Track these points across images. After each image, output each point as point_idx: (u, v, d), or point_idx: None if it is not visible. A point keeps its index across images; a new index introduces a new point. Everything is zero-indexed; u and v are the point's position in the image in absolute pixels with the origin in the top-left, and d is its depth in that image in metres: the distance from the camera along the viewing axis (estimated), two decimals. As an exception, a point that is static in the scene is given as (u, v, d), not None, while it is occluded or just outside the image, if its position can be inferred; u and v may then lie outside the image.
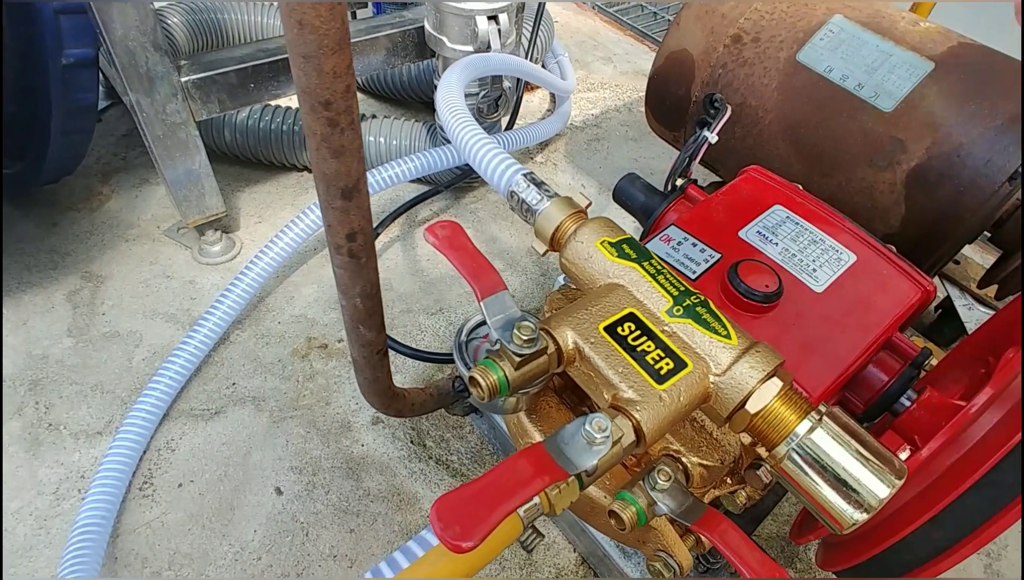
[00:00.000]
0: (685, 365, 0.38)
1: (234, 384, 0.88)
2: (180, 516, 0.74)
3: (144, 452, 0.79)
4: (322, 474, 0.80)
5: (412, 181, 1.19)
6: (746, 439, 0.47)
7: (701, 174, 1.19)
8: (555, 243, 0.47)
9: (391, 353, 0.91)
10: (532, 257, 1.12)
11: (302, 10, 0.36)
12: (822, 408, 0.37)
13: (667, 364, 0.38)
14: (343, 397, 0.88)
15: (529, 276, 1.09)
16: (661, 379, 0.37)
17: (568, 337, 0.39)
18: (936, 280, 1.11)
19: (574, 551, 0.77)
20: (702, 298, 0.41)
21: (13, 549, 0.70)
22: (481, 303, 0.38)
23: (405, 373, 0.93)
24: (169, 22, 1.07)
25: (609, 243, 0.44)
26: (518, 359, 0.36)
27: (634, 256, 0.43)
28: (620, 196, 0.79)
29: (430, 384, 0.77)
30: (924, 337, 1.05)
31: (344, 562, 0.73)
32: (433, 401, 0.76)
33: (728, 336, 0.39)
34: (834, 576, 0.65)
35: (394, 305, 1.01)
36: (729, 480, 0.51)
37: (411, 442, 0.84)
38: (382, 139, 1.12)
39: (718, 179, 1.08)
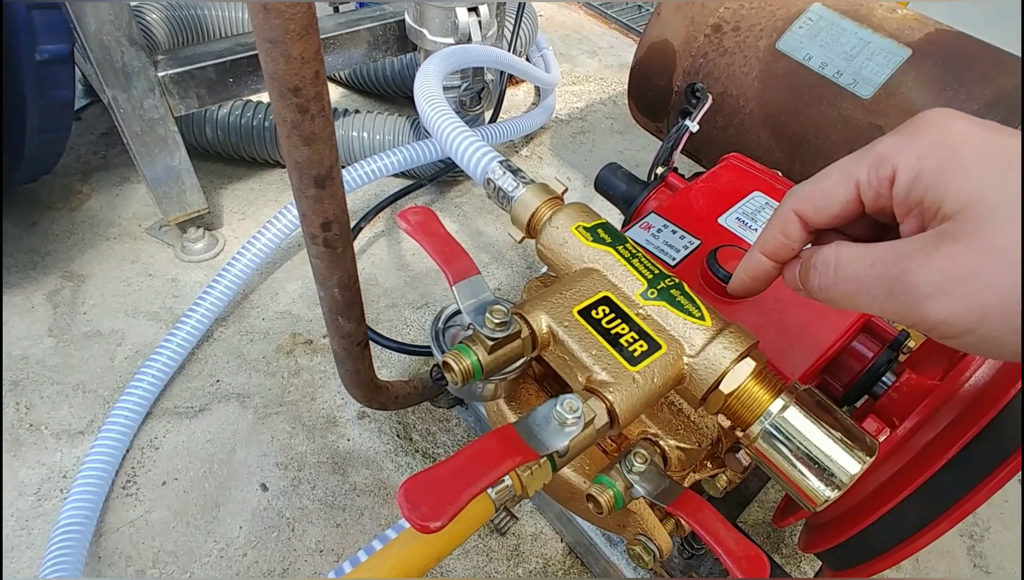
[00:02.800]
0: (659, 347, 0.38)
1: (218, 381, 0.87)
2: (164, 514, 0.74)
3: (127, 451, 0.78)
4: (308, 469, 0.80)
5: (396, 176, 1.19)
6: (725, 422, 0.47)
7: (686, 165, 1.20)
8: (531, 229, 0.47)
9: (378, 348, 0.91)
10: (519, 250, 1.12)
11: (267, -5, 0.35)
12: (795, 387, 0.37)
13: (641, 346, 0.38)
14: (328, 392, 0.88)
15: (516, 269, 1.09)
16: (635, 361, 0.37)
17: (542, 321, 0.39)
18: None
19: (561, 541, 0.77)
20: (676, 281, 0.42)
21: (-6, 550, 0.69)
22: (453, 288, 0.38)
23: (391, 367, 0.93)
24: (148, 19, 1.06)
25: (584, 228, 0.44)
26: (491, 343, 0.36)
27: (609, 240, 0.43)
28: (601, 186, 0.79)
29: (414, 377, 0.77)
30: (908, 324, 1.06)
31: (331, 556, 0.73)
32: (417, 394, 0.75)
33: (702, 318, 0.39)
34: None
35: (380, 300, 1.00)
36: (710, 464, 0.52)
37: (397, 436, 0.84)
38: (365, 134, 1.11)
39: (702, 169, 1.08)
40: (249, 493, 0.77)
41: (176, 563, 0.70)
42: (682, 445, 0.43)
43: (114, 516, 0.73)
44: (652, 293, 0.40)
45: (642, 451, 0.40)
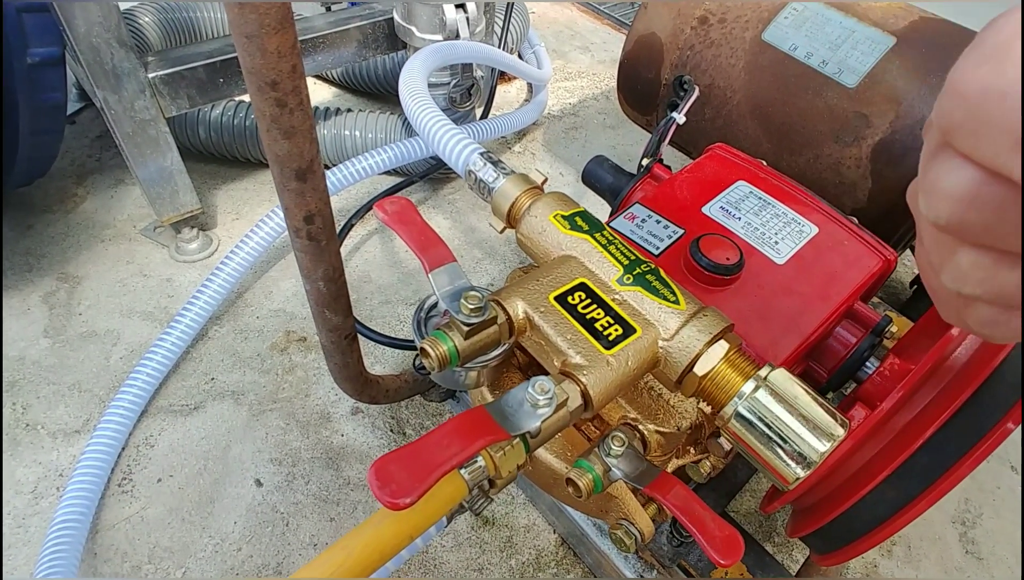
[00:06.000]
0: (634, 331, 0.39)
1: (213, 379, 0.88)
2: (160, 510, 0.75)
3: (123, 449, 0.79)
4: (302, 465, 0.80)
5: (387, 173, 1.19)
6: (707, 408, 0.48)
7: (677, 158, 1.20)
8: (511, 219, 0.47)
9: (371, 344, 0.92)
10: (511, 246, 1.12)
11: (241, -11, 0.36)
12: (767, 369, 0.37)
13: (616, 330, 0.38)
14: (322, 389, 0.88)
15: (508, 264, 1.10)
16: (609, 345, 0.38)
17: (518, 307, 0.39)
18: (909, 255, 1.12)
19: (553, 532, 0.77)
20: (652, 266, 0.42)
21: (-9, 547, 0.70)
22: (429, 275, 0.39)
23: (384, 363, 0.93)
24: (140, 22, 1.07)
25: (562, 216, 0.45)
26: (466, 329, 0.37)
27: (586, 228, 0.44)
28: (589, 178, 0.79)
29: (405, 370, 0.77)
30: (900, 313, 1.06)
31: (325, 550, 0.74)
32: (408, 387, 0.76)
33: (677, 302, 0.40)
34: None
35: (373, 296, 1.01)
36: (692, 450, 0.52)
37: (391, 430, 0.85)
38: (357, 132, 1.12)
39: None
40: (244, 489, 0.77)
41: (171, 558, 0.71)
42: (661, 429, 0.44)
43: (110, 513, 0.74)
44: (628, 279, 0.41)
45: (620, 435, 0.41)
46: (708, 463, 0.52)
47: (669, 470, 0.50)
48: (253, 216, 1.11)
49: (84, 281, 0.98)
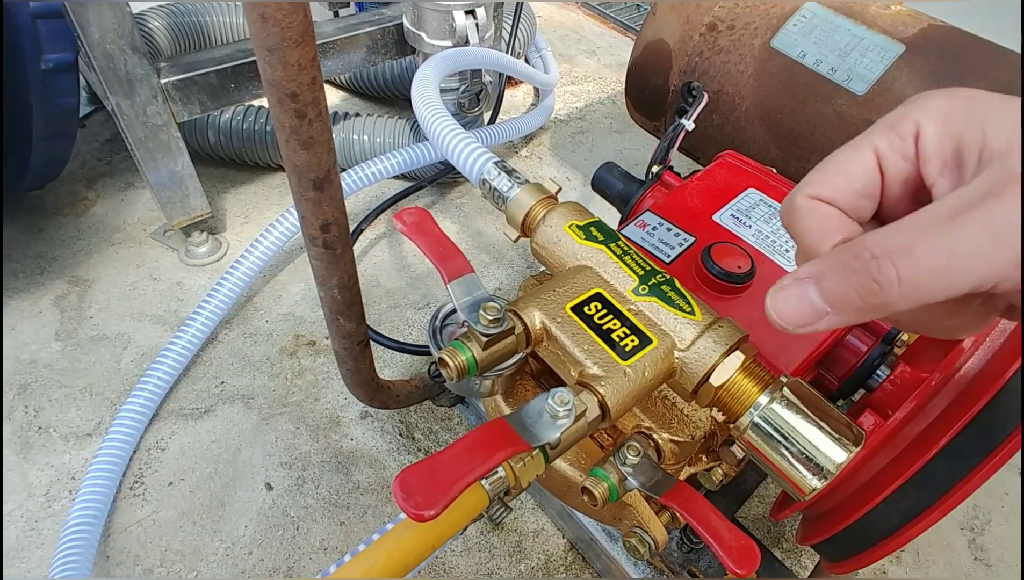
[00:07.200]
0: (650, 341, 0.39)
1: (223, 383, 0.88)
2: (171, 514, 0.75)
3: (134, 452, 0.79)
4: (312, 469, 0.81)
5: (397, 178, 1.20)
6: (719, 416, 0.48)
7: (685, 164, 1.21)
8: (526, 228, 0.48)
9: (380, 348, 0.92)
10: (519, 250, 1.13)
11: (264, 4, 0.36)
12: (783, 379, 0.37)
13: (632, 341, 0.39)
14: (332, 393, 0.89)
15: (516, 269, 1.10)
16: (626, 355, 0.38)
17: (535, 317, 0.40)
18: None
19: (563, 537, 0.78)
20: (667, 277, 0.42)
21: (4, 550, 0.70)
22: (448, 286, 0.39)
23: (393, 367, 0.94)
24: (151, 26, 1.07)
25: (577, 226, 0.45)
26: (485, 339, 0.37)
27: (601, 238, 0.44)
28: (598, 185, 0.80)
29: (415, 376, 0.78)
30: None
31: (335, 554, 0.74)
32: (418, 392, 0.76)
33: (692, 312, 0.40)
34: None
35: (381, 301, 1.02)
36: (705, 458, 0.52)
37: (400, 435, 0.85)
38: (366, 137, 1.12)
39: (700, 168, 1.09)
40: (254, 492, 0.78)
41: (183, 562, 0.72)
42: (675, 438, 0.44)
43: (122, 516, 0.74)
44: (643, 289, 0.41)
45: (635, 444, 0.41)
46: (720, 471, 0.52)
47: (681, 478, 0.50)
48: (262, 220, 1.11)
49: (95, 284, 0.99)
